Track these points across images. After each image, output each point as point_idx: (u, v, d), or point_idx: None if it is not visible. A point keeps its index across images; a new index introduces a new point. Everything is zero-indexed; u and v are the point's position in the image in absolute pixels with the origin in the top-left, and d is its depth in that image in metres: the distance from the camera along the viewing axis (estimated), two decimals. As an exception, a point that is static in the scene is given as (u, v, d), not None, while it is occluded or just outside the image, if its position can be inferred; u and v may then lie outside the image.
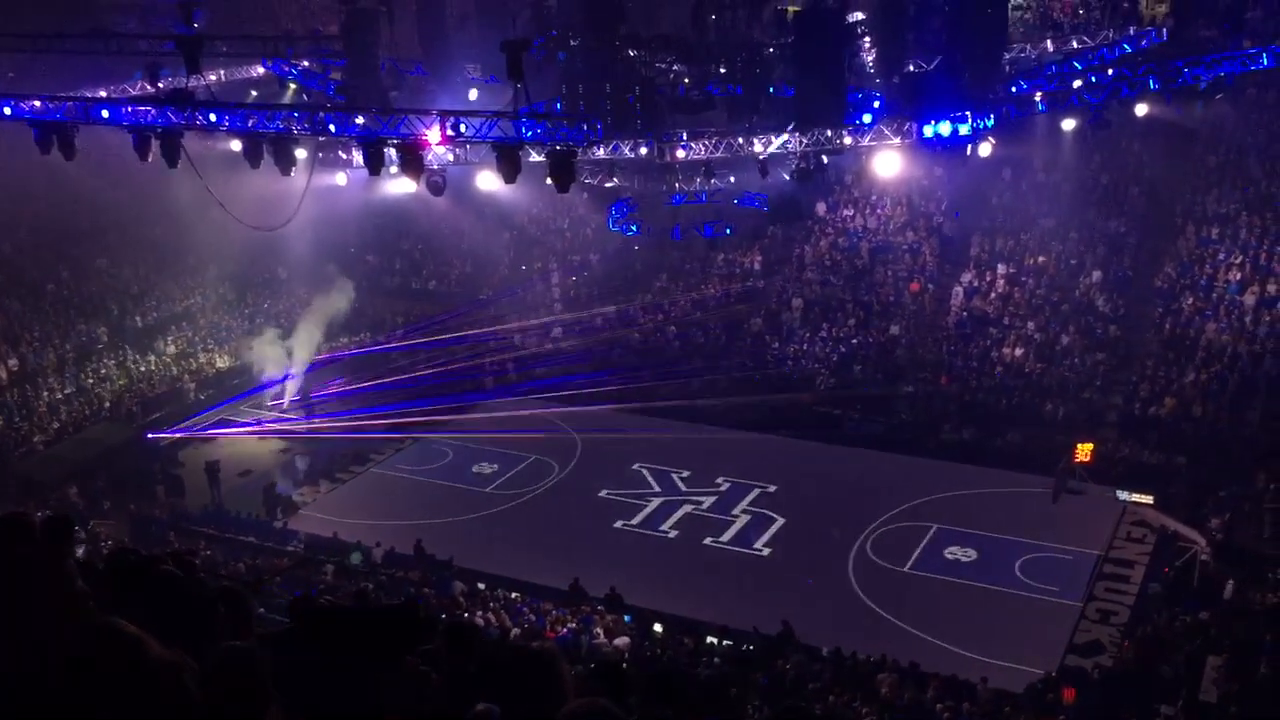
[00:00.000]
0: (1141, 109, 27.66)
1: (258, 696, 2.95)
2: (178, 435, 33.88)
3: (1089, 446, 28.09)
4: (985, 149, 25.42)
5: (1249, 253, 31.79)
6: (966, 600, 24.18)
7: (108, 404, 34.64)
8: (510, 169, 21.09)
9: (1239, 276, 31.34)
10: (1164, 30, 30.23)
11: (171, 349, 37.88)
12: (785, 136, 25.75)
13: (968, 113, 24.43)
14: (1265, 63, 26.26)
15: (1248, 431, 28.25)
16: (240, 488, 30.74)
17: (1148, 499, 26.99)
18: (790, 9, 28.73)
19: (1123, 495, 27.28)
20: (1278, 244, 31.62)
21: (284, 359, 36.65)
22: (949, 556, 25.89)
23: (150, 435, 33.48)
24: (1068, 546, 25.95)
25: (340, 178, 32.96)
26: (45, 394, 34.05)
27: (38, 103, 25.45)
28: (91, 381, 35.32)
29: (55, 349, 35.97)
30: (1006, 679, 20.43)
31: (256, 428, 34.72)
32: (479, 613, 22.08)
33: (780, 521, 27.87)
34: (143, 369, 36.56)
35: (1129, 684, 20.22)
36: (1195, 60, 25.45)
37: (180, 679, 2.40)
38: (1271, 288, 30.70)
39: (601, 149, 26.61)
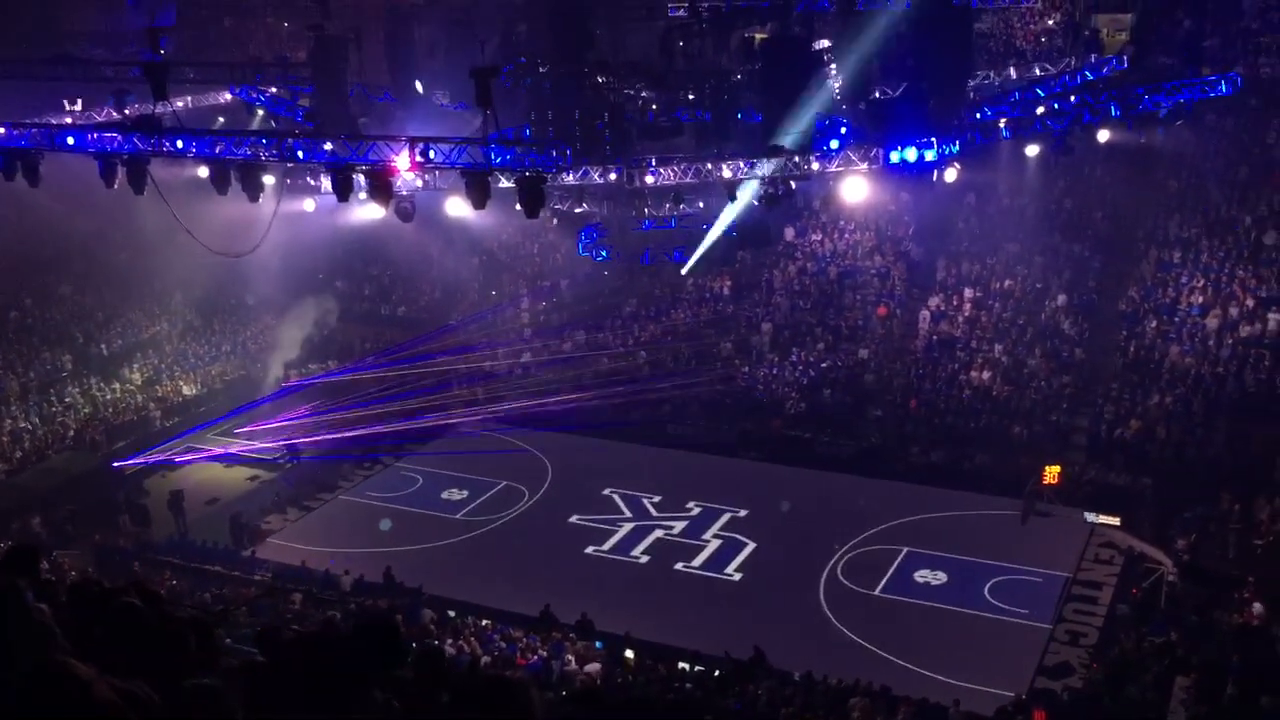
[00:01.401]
0: (1103, 135, 28.05)
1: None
2: (143, 464, 33.49)
3: (1056, 469, 28.30)
4: (951, 174, 25.67)
5: (1210, 276, 32.22)
6: (937, 623, 24.25)
7: (72, 432, 34.23)
8: (479, 195, 21.09)
9: (1201, 300, 31.74)
10: (1125, 58, 30.70)
11: (137, 377, 37.52)
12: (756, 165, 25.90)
13: (933, 139, 24.68)
14: (1223, 90, 26.79)
15: (1212, 453, 28.56)
16: (207, 516, 30.43)
17: (1115, 521, 27.23)
18: (757, 36, 29.00)
19: (1090, 517, 27.50)
20: (1238, 267, 32.08)
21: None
22: (919, 579, 25.97)
23: (115, 464, 33.09)
24: (1037, 569, 26.08)
25: (308, 204, 32.83)
26: (8, 422, 33.62)
27: (1, 129, 25.24)
28: (56, 409, 34.92)
29: (18, 377, 35.57)
30: (977, 702, 20.48)
31: (224, 455, 34.37)
32: (449, 640, 21.93)
33: (751, 546, 27.87)
34: (108, 397, 36.18)
35: (1098, 705, 20.32)
36: (1155, 87, 25.89)
37: None
38: (1233, 310, 31.11)
39: (571, 175, 26.69)
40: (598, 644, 22.67)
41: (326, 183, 25.34)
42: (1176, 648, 21.54)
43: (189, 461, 33.98)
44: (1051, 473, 28.17)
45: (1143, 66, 29.31)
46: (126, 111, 28.48)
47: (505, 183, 23.27)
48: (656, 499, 30.45)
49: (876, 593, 25.58)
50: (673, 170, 27.29)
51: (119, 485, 32.27)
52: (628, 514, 29.80)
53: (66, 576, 21.67)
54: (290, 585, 25.45)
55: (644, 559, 27.70)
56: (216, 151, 23.38)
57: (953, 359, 33.38)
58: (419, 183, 27.03)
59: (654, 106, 28.83)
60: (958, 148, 25.21)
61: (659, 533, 28.75)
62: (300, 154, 23.55)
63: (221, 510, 30.68)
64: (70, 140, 24.44)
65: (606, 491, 30.95)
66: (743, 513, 29.44)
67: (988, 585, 25.48)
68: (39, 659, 2.67)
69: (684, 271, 35.31)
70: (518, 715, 3.94)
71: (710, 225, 31.50)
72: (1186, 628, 22.39)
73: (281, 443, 34.09)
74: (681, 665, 21.97)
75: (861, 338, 35.36)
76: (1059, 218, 36.09)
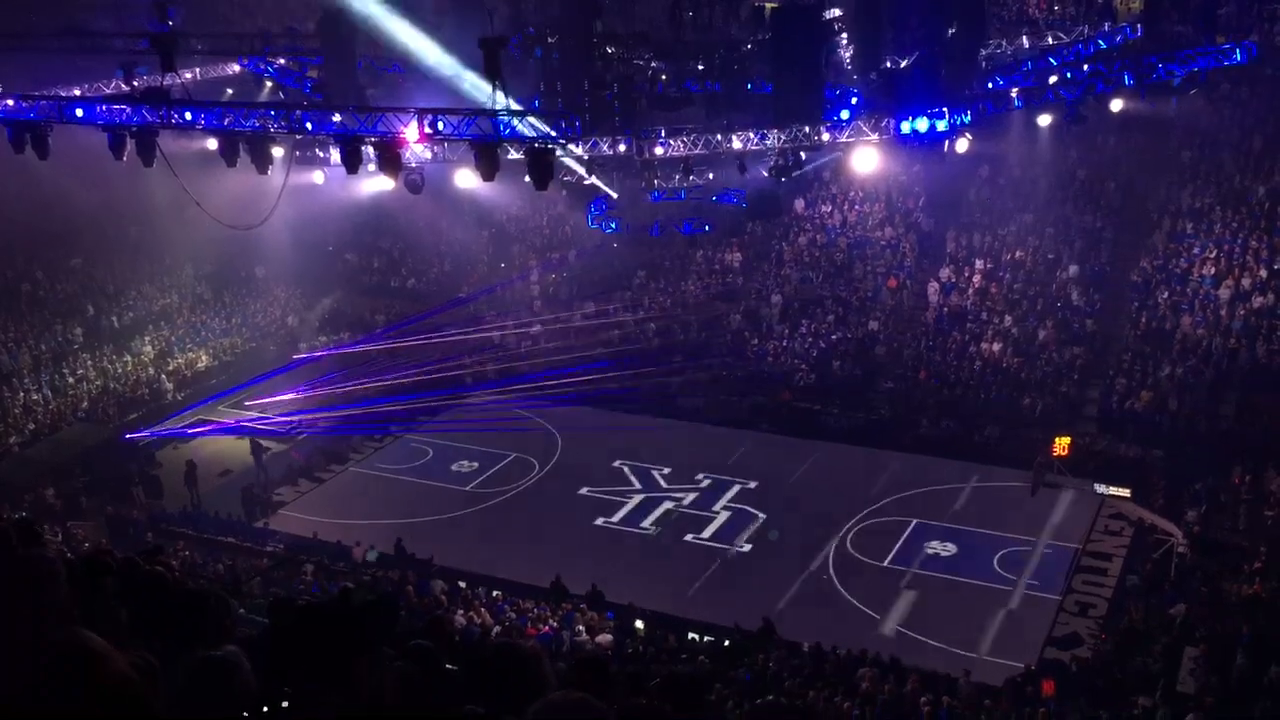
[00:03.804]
0: (1117, 104, 27.81)
1: (235, 706, 2.94)
2: (155, 436, 33.66)
3: (1066, 440, 28.24)
4: (962, 145, 25.49)
5: (1223, 247, 32.03)
6: (946, 594, 24.28)
7: (84, 405, 34.39)
8: (488, 167, 21.02)
9: (1213, 270, 31.57)
10: (1138, 26, 30.40)
11: (149, 349, 37.63)
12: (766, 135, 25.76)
13: (945, 109, 24.49)
14: (1238, 58, 26.49)
15: (1223, 424, 28.49)
16: (219, 488, 30.58)
17: (1125, 492, 27.20)
18: (768, 5, 28.75)
19: (1100, 488, 27.47)
20: (1251, 237, 31.88)
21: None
22: (928, 551, 26.00)
23: (128, 436, 33.25)
24: (1046, 540, 26.10)
25: (318, 176, 32.79)
26: (21, 395, 33.79)
27: (11, 102, 25.24)
28: (70, 381, 35.07)
29: (30, 349, 35.69)
30: (986, 672, 20.59)
31: (235, 428, 34.50)
32: (460, 611, 22.06)
33: (761, 518, 27.91)
34: (119, 370, 36.31)
35: (1107, 676, 20.37)
36: (1169, 56, 25.63)
37: (142, 697, 2.37)
38: (1246, 281, 30.95)
39: (580, 146, 26.57)
40: (608, 614, 22.80)
41: (335, 155, 25.29)
42: (1186, 619, 21.57)
43: (201, 434, 34.15)
44: (1061, 444, 28.12)
45: (1157, 35, 29.00)
46: (135, 83, 28.39)
47: (514, 154, 23.21)
48: (666, 471, 30.50)
49: (885, 564, 25.62)
50: (682, 141, 27.15)
51: (131, 457, 32.43)
52: (638, 486, 29.86)
53: (80, 547, 21.88)
54: (302, 556, 25.61)
55: (654, 530, 27.77)
56: (225, 123, 23.34)
57: (963, 331, 33.29)
58: (428, 154, 26.96)
59: (663, 77, 28.67)
60: (969, 118, 25.04)
61: (669, 504, 28.81)
62: (309, 126, 23.52)
63: (233, 482, 30.84)
64: (79, 112, 24.42)
65: (616, 463, 31.02)
66: (752, 484, 29.48)
67: (996, 556, 25.50)
68: (54, 632, 2.69)
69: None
70: (530, 683, 3.96)
71: (719, 197, 31.44)
72: (1196, 599, 22.42)
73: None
74: (691, 636, 22.08)
75: (871, 309, 35.27)
76: (1071, 188, 35.86)
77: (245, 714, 3.04)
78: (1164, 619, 21.90)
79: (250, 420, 34.73)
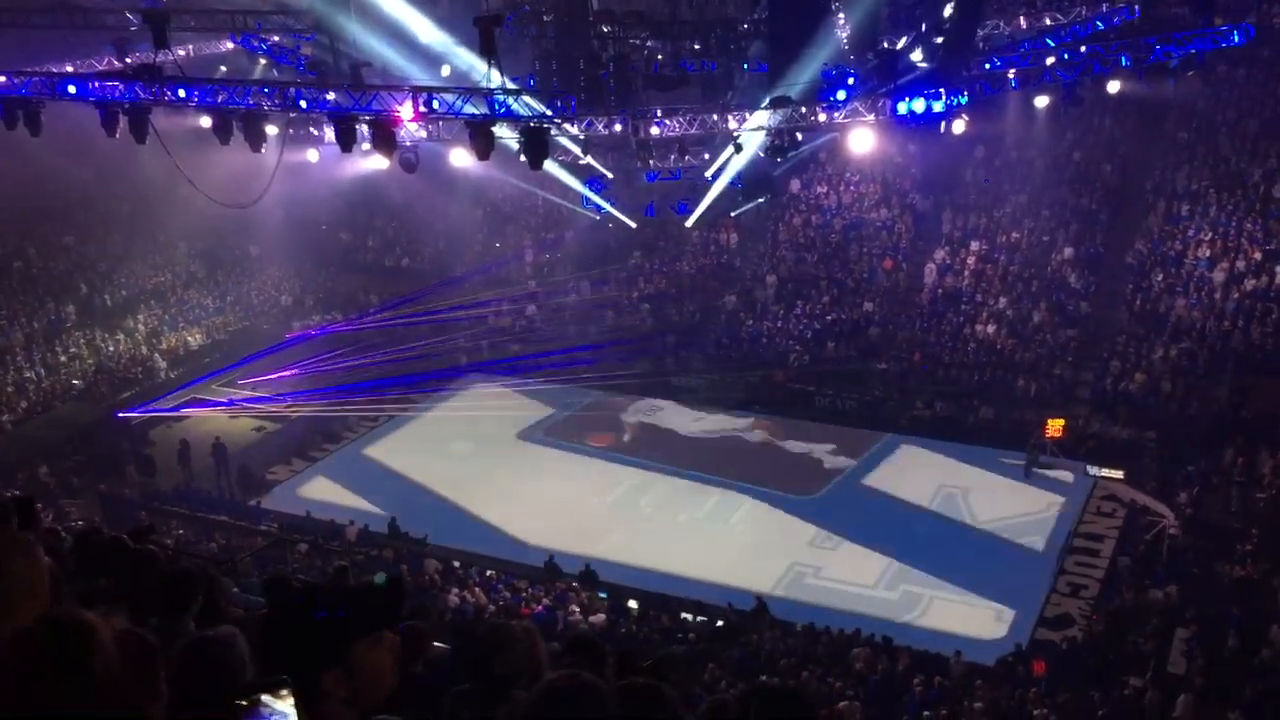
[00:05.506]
0: (1114, 86, 27.71)
1: (232, 686, 2.92)
2: (148, 414, 33.60)
3: (1060, 422, 28.31)
4: (959, 126, 25.40)
5: (1219, 229, 32.01)
6: (937, 573, 24.34)
7: (77, 383, 34.31)
8: (483, 146, 20.92)
9: (1209, 253, 31.57)
10: (1136, 7, 30.27)
11: (142, 327, 37.52)
12: (762, 116, 25.62)
13: (941, 89, 24.39)
14: (1236, 40, 26.35)
15: (1216, 406, 28.54)
16: (213, 467, 30.54)
17: (1118, 474, 27.27)
18: (764, -16, 28.60)
19: (1093, 470, 27.55)
20: (1246, 220, 31.87)
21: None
22: (921, 532, 26.06)
23: (121, 414, 33.19)
24: (1038, 521, 26.17)
25: (312, 154, 32.63)
26: (13, 373, 33.68)
27: (2, 78, 25.04)
28: (63, 359, 34.98)
29: (23, 327, 35.55)
30: (978, 652, 20.66)
31: (229, 406, 34.45)
32: (454, 590, 22.10)
33: (754, 499, 27.96)
34: (111, 348, 36.21)
35: (1098, 656, 20.48)
36: (1166, 38, 25.49)
37: (136, 673, 2.34)
38: (1240, 264, 30.96)
39: (575, 125, 26.44)
40: (601, 594, 22.85)
41: (330, 133, 25.13)
42: (1178, 600, 21.67)
43: (195, 410, 34.09)
44: (1055, 426, 28.18)
45: (1154, 16, 28.90)
46: (128, 60, 28.19)
47: (509, 133, 23.07)
48: (661, 451, 30.52)
49: (880, 547, 25.66)
50: (678, 122, 27.02)
51: (125, 436, 32.38)
52: (633, 466, 29.88)
53: (73, 526, 21.81)
54: (296, 536, 25.59)
55: (648, 511, 27.81)
56: (219, 101, 23.16)
57: (958, 312, 33.29)
58: (422, 133, 26.83)
59: (659, 57, 28.52)
60: (966, 99, 24.93)
61: (664, 485, 28.83)
62: (303, 103, 23.35)
63: (228, 460, 30.78)
64: (71, 89, 24.23)
65: (611, 443, 31.02)
66: (748, 465, 29.50)
67: (989, 537, 25.57)
68: (48, 607, 2.67)
69: (688, 224, 35.15)
70: (523, 662, 3.97)
71: (715, 177, 31.30)
72: (1188, 580, 22.52)
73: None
74: (685, 616, 22.14)
75: (866, 291, 35.24)
76: (1067, 170, 35.78)
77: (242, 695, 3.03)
78: (1156, 600, 22.00)
79: (243, 400, 34.66)
